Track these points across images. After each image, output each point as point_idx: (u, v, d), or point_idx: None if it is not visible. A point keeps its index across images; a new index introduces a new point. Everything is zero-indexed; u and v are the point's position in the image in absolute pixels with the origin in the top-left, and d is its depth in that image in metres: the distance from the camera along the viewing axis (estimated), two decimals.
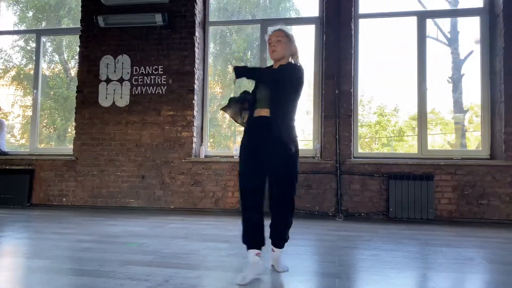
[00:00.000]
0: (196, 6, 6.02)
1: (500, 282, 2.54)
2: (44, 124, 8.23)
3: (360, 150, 5.80)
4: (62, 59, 9.00)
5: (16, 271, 2.67)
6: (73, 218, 5.02)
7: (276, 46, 2.70)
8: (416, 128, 5.78)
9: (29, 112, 7.89)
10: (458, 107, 6.39)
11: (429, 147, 5.69)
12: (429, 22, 5.86)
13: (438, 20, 6.03)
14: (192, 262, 2.88)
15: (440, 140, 6.81)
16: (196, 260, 2.96)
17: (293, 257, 3.05)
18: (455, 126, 6.50)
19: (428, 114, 5.78)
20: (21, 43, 8.87)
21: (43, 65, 7.42)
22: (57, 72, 9.09)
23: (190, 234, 3.99)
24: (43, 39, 6.95)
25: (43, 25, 8.78)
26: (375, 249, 3.43)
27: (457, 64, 6.26)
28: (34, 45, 7.00)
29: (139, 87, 6.06)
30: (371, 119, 7.30)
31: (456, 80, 6.36)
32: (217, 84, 7.86)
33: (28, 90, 8.64)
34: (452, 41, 6.31)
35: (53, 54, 9.02)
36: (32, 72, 7.06)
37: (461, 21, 6.07)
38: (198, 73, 6.06)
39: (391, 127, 7.35)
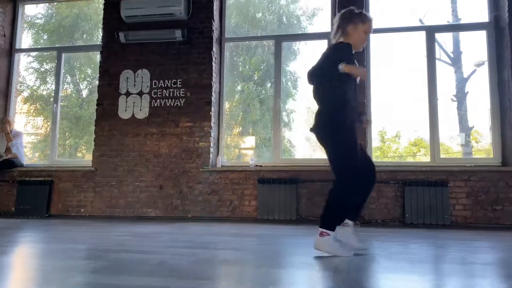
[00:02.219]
0: (213, 23, 6.30)
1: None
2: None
3: (374, 159, 5.92)
4: (75, 81, 9.26)
5: (32, 270, 2.77)
6: (91, 224, 5.11)
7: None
8: (429, 138, 5.92)
9: (41, 131, 8.12)
10: (464, 125, 6.55)
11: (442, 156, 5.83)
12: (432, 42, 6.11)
13: (441, 40, 6.27)
14: (231, 246, 2.97)
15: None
16: (234, 245, 3.06)
17: (300, 251, 3.14)
18: (462, 149, 6.60)
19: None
20: (35, 65, 9.14)
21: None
22: (70, 92, 9.32)
23: (216, 232, 4.08)
24: (64, 56, 7.19)
25: (65, 45, 9.09)
26: (386, 250, 3.52)
27: (461, 82, 6.47)
28: (47, 66, 7.23)
29: (158, 100, 6.26)
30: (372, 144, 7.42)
31: (460, 98, 6.55)
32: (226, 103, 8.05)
33: (41, 111, 8.86)
34: (455, 61, 6.55)
35: (66, 75, 9.30)
36: (44, 93, 7.29)
37: (464, 40, 6.32)
38: (215, 86, 6.28)
39: (392, 153, 7.47)
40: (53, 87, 7.15)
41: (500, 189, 5.29)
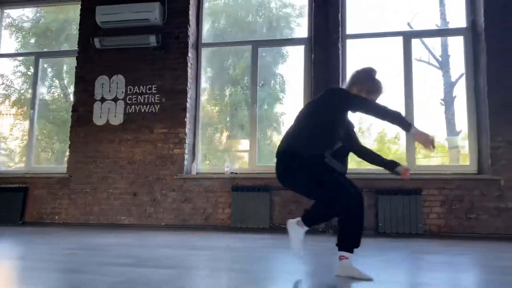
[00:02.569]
0: (189, 28, 6.23)
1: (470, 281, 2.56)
2: (43, 147, 8.36)
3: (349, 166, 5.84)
4: (62, 84, 9.21)
5: (8, 270, 2.72)
6: (64, 232, 5.05)
7: None
8: (405, 144, 5.84)
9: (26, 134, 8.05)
10: (451, 129, 6.47)
11: (417, 163, 5.75)
12: (420, 46, 6.04)
13: (429, 44, 6.19)
14: (170, 264, 2.91)
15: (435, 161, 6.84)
16: (174, 262, 2.99)
17: (271, 260, 3.08)
18: (450, 151, 6.54)
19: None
20: (22, 68, 9.11)
21: (43, 90, 7.62)
22: (57, 96, 9.29)
23: (175, 245, 4.02)
24: (42, 62, 7.16)
25: (44, 50, 9.02)
26: (355, 255, 3.44)
27: (449, 86, 6.39)
28: (34, 70, 7.22)
29: (133, 106, 6.20)
30: (372, 146, 7.36)
31: (448, 102, 6.47)
32: (214, 108, 7.99)
33: (28, 115, 8.83)
34: (444, 64, 6.47)
35: (54, 79, 9.26)
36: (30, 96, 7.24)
37: (452, 44, 6.23)
38: (190, 92, 6.21)
39: (392, 154, 7.39)
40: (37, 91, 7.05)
41: (475, 198, 5.20)
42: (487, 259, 3.44)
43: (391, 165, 2.82)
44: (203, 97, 6.68)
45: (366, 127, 7.28)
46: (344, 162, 2.87)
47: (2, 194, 6.26)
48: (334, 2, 5.88)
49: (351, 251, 2.56)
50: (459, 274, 2.77)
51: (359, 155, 3.01)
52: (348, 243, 2.57)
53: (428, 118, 6.12)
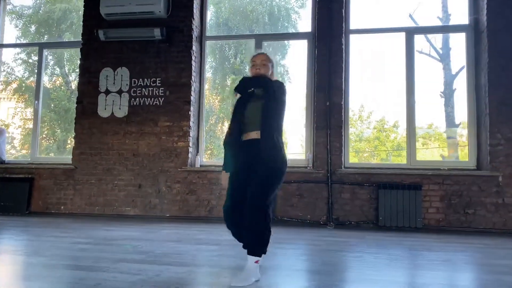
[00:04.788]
0: (193, 21, 6.26)
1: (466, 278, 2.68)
2: (44, 135, 8.42)
3: (350, 161, 5.97)
4: (63, 72, 9.23)
5: (17, 265, 2.82)
6: (71, 224, 5.16)
7: (261, 68, 2.84)
8: (406, 140, 5.95)
9: (30, 125, 8.10)
10: (450, 121, 6.57)
11: (418, 159, 5.86)
12: (421, 38, 6.11)
13: (430, 36, 6.25)
14: (182, 260, 3.03)
15: (435, 154, 6.98)
16: (186, 259, 3.11)
17: (279, 256, 3.20)
18: (448, 141, 6.68)
19: (426, 129, 5.98)
20: (23, 56, 9.10)
21: (45, 78, 7.64)
22: (58, 85, 9.31)
23: (182, 238, 4.14)
24: (45, 52, 7.17)
25: (45, 38, 9.00)
26: (359, 252, 3.57)
27: (449, 79, 6.47)
28: (36, 58, 7.25)
29: (137, 99, 6.26)
30: (371, 134, 7.49)
31: (448, 95, 6.56)
32: (216, 98, 8.06)
33: (29, 102, 8.85)
34: (444, 57, 6.54)
35: (55, 67, 9.27)
36: (33, 84, 7.28)
37: (453, 37, 6.29)
38: (194, 85, 6.27)
39: (390, 142, 7.52)
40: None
41: (473, 193, 5.33)
42: (485, 256, 3.57)
43: None
44: (205, 86, 6.72)
45: (366, 115, 7.42)
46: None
47: (9, 184, 6.34)
48: None
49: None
50: (457, 274, 2.90)
51: None
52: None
53: (428, 110, 6.22)
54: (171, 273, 2.60)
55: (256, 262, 2.50)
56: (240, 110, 2.80)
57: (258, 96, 2.76)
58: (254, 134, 2.71)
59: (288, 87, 2.96)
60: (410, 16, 6.37)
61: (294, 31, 6.88)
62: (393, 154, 7.49)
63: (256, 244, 2.55)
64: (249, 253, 2.52)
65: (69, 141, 8.22)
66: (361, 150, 7.35)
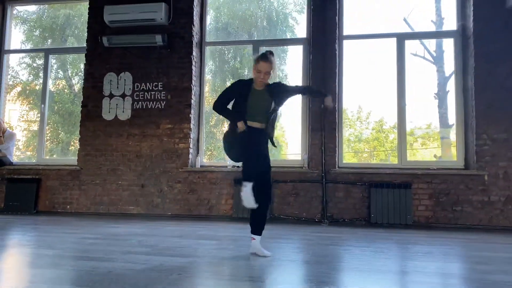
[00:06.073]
0: (193, 28, 6.54)
1: (442, 268, 2.94)
2: (48, 137, 8.68)
3: (345, 161, 6.24)
4: (67, 76, 9.50)
5: (32, 257, 3.09)
6: (78, 222, 5.43)
7: (265, 78, 3.25)
8: (397, 141, 6.21)
9: (34, 127, 8.36)
10: (444, 122, 6.83)
11: (415, 159, 6.14)
12: (413, 43, 6.38)
13: (424, 40, 6.52)
14: (185, 253, 3.29)
15: (430, 154, 7.22)
16: (188, 251, 3.37)
17: (275, 250, 3.46)
18: (442, 141, 6.93)
19: (421, 130, 6.24)
20: (28, 60, 9.37)
21: (49, 81, 7.90)
22: (62, 87, 9.57)
23: (184, 234, 4.41)
24: (51, 57, 7.44)
25: (49, 42, 9.27)
26: (348, 246, 3.84)
27: (442, 81, 6.73)
28: (40, 62, 7.51)
29: (140, 102, 6.54)
30: (369, 135, 7.74)
31: (442, 97, 6.81)
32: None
33: (33, 105, 9.12)
34: (438, 60, 6.80)
35: (58, 70, 9.53)
36: (37, 87, 7.54)
37: (445, 40, 6.54)
38: (195, 89, 6.55)
39: (389, 143, 7.75)
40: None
41: (460, 192, 5.60)
42: (466, 249, 3.84)
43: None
44: (205, 90, 6.99)
45: (364, 116, 7.64)
46: None
47: (17, 185, 6.62)
48: (331, 6, 6.19)
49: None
50: (434, 263, 3.16)
51: None
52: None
53: (422, 111, 6.46)
54: (174, 263, 2.87)
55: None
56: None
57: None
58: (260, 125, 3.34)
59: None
60: (405, 20, 6.65)
61: (291, 35, 7.15)
62: (392, 155, 7.73)
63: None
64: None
65: (72, 143, 8.49)
66: (360, 150, 7.58)
